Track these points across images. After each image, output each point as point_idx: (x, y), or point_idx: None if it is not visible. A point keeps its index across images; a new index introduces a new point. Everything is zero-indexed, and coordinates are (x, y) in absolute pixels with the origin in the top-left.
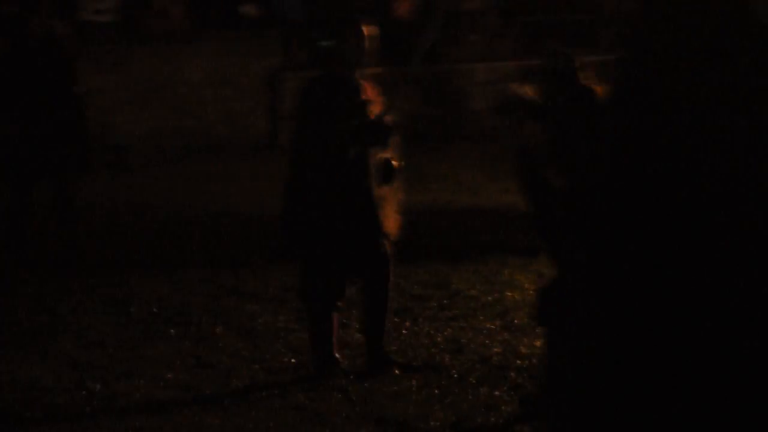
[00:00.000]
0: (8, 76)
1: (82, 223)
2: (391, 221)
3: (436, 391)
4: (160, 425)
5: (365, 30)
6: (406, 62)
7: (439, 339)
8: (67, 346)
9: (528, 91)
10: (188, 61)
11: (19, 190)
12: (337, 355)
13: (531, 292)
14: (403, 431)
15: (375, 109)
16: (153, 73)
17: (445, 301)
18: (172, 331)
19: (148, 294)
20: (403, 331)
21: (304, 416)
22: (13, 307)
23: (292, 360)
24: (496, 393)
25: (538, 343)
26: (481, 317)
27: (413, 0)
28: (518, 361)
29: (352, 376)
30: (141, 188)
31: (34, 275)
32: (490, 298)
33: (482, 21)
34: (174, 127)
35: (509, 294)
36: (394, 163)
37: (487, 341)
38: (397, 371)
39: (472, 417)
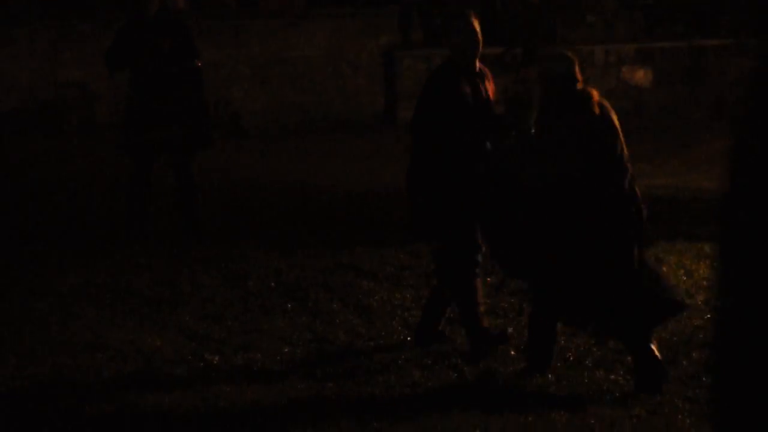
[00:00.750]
0: (129, 51)
1: (201, 198)
2: None
3: (550, 375)
4: (277, 399)
5: (475, 23)
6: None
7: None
8: (186, 318)
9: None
10: (305, 37)
11: (142, 164)
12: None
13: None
14: (518, 412)
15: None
16: (270, 48)
17: None
18: (289, 305)
19: (266, 269)
20: (520, 315)
21: (418, 393)
22: (135, 279)
23: (408, 338)
24: (612, 377)
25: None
26: None
27: None
28: None
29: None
30: (258, 163)
31: (155, 248)
32: None
33: (601, 3)
34: (291, 103)
35: None
36: None
37: None
38: (513, 352)
39: (588, 399)
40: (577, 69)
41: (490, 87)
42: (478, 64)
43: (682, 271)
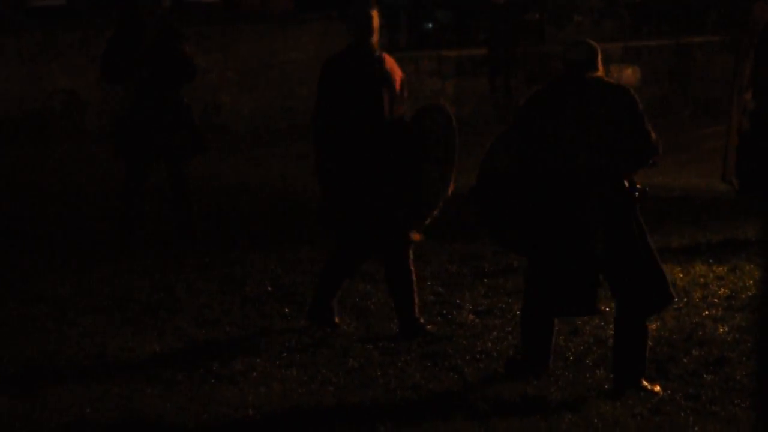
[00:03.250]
0: (121, 57)
1: (195, 204)
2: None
3: (551, 375)
4: (278, 403)
5: (372, 11)
6: (512, 43)
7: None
8: (184, 324)
9: None
10: (293, 41)
11: (134, 171)
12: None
13: None
14: (518, 412)
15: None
16: (258, 53)
17: None
18: (286, 310)
19: (262, 273)
20: (517, 312)
21: (420, 395)
22: (132, 285)
23: (407, 340)
24: (612, 375)
25: (653, 326)
26: None
27: None
28: None
29: (467, 357)
30: (249, 168)
31: (151, 255)
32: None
33: (588, 2)
34: (280, 107)
35: None
36: None
37: (602, 323)
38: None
39: (589, 398)
40: (599, 59)
41: (395, 76)
42: (378, 51)
43: (678, 269)
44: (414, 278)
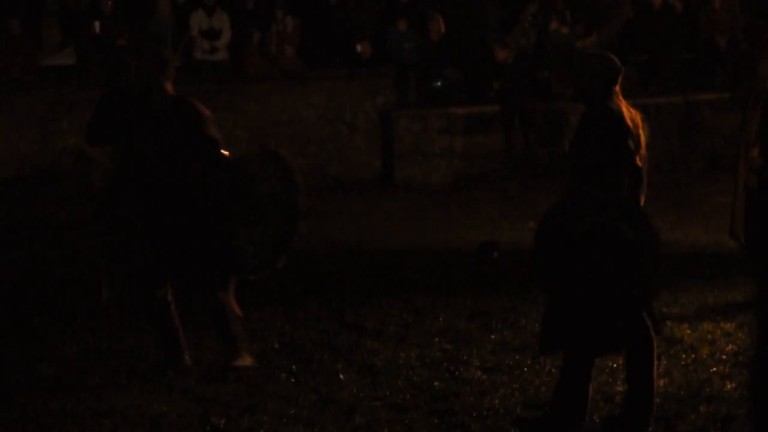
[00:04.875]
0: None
1: None
2: None
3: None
4: None
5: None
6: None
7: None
8: (191, 381)
9: None
10: (302, 99)
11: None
12: None
13: None
14: None
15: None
16: (267, 110)
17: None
18: (293, 367)
19: (269, 330)
20: (525, 369)
21: None
22: (138, 343)
23: (413, 397)
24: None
25: (661, 383)
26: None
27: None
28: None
29: (474, 414)
30: None
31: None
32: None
33: None
34: None
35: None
36: None
37: (610, 379)
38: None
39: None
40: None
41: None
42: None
43: (686, 325)
44: (226, 308)
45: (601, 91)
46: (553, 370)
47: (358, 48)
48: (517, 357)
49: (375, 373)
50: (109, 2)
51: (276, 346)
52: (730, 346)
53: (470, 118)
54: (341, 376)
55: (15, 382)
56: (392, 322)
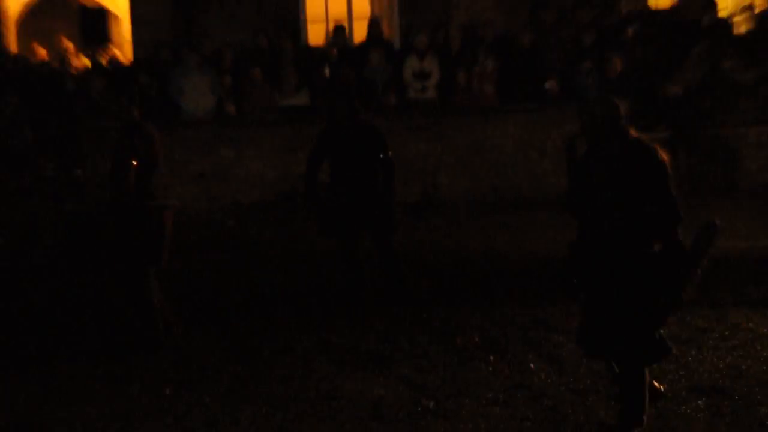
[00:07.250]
0: (331, 149)
1: (411, 266)
2: None
3: (719, 415)
4: None
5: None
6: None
7: (721, 365)
8: (405, 370)
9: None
10: (500, 130)
11: (345, 245)
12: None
13: None
14: None
15: None
16: (471, 140)
17: (726, 333)
18: (491, 357)
19: (472, 327)
20: (689, 358)
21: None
22: (364, 338)
23: (594, 382)
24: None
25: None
26: (758, 347)
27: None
28: None
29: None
30: (463, 236)
31: (377, 312)
32: (766, 330)
33: (755, 90)
34: (490, 185)
35: None
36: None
37: (764, 368)
38: None
39: None
40: (621, 112)
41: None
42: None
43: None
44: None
45: (610, 131)
46: (715, 360)
47: (547, 85)
48: (683, 348)
49: (560, 363)
50: (334, 51)
51: (476, 340)
52: None
53: None
54: (531, 365)
55: (260, 372)
56: (575, 320)
